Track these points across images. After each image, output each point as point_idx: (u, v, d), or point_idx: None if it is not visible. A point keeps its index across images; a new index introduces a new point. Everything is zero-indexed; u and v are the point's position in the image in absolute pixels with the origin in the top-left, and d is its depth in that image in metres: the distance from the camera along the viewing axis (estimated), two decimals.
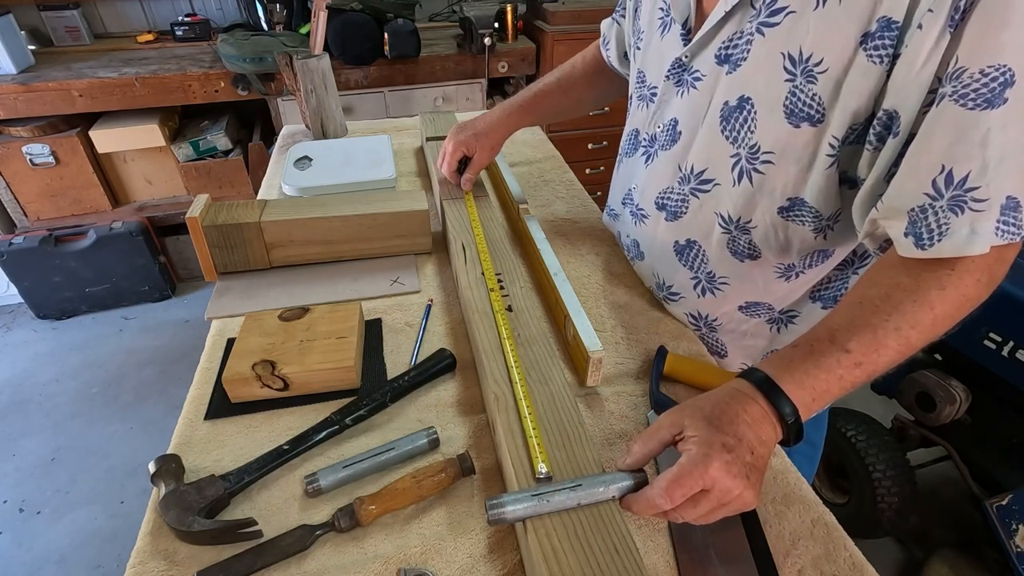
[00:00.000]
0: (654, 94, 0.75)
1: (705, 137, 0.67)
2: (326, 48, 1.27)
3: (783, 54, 0.56)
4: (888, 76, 0.51)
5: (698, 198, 0.71)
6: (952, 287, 0.49)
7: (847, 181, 0.59)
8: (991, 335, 1.21)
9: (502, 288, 0.76)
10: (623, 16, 0.88)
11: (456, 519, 0.56)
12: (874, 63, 0.51)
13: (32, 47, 2.18)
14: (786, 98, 0.57)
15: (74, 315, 2.34)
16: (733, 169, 0.65)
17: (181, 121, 2.33)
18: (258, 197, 1.03)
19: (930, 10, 0.47)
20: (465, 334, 0.78)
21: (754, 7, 0.59)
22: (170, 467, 0.58)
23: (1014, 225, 0.48)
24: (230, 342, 0.75)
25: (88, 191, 2.21)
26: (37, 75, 1.97)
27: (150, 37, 2.33)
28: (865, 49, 0.51)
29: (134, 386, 2.03)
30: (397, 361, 0.74)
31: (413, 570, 0.51)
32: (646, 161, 0.78)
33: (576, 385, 0.70)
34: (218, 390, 0.69)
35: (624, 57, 0.91)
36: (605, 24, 0.93)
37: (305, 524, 0.54)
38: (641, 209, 0.81)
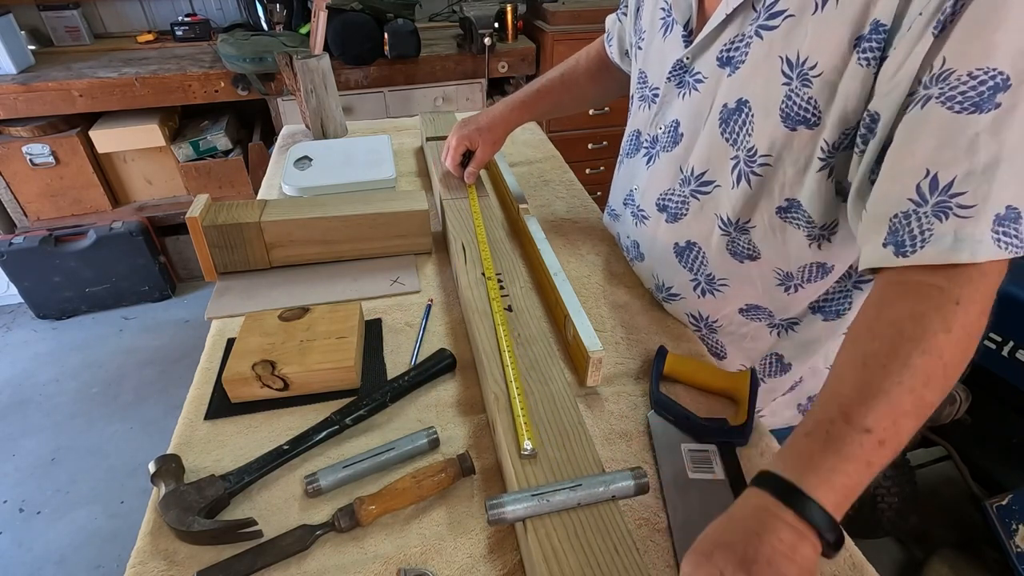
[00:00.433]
0: (656, 95, 0.75)
1: (706, 139, 0.67)
2: (326, 48, 1.27)
3: (781, 58, 0.56)
4: (875, 79, 0.51)
5: (698, 200, 0.71)
6: (959, 325, 0.44)
7: (843, 192, 0.58)
8: (991, 335, 1.21)
9: (502, 288, 0.76)
10: (625, 14, 0.88)
11: (456, 519, 0.56)
12: (861, 66, 0.51)
13: (32, 47, 2.18)
14: (782, 101, 0.57)
15: (74, 315, 2.34)
16: (732, 171, 0.65)
17: (181, 121, 2.33)
18: (258, 197, 1.03)
19: (920, 13, 0.46)
20: (465, 334, 0.78)
21: (755, 10, 0.59)
22: (170, 467, 0.58)
23: (1016, 236, 0.45)
24: (230, 342, 0.75)
25: (88, 191, 2.21)
26: (37, 75, 1.97)
27: (150, 37, 2.33)
28: (857, 53, 0.51)
29: (134, 386, 2.03)
30: (397, 361, 0.74)
31: (413, 570, 0.51)
32: (647, 162, 0.78)
33: (576, 385, 0.70)
34: (218, 390, 0.69)
35: (626, 55, 0.91)
36: (609, 20, 0.94)
37: (305, 524, 0.54)
38: (642, 210, 0.81)
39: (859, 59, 0.51)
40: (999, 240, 0.44)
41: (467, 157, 0.99)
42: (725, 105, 0.63)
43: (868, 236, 0.51)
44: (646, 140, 0.79)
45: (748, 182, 0.64)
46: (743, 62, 0.60)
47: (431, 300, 0.84)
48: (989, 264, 0.45)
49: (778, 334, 0.76)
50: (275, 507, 0.57)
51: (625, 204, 0.86)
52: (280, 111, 2.13)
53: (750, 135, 0.62)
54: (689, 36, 0.68)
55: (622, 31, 0.90)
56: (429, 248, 0.94)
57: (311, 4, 1.32)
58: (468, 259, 0.81)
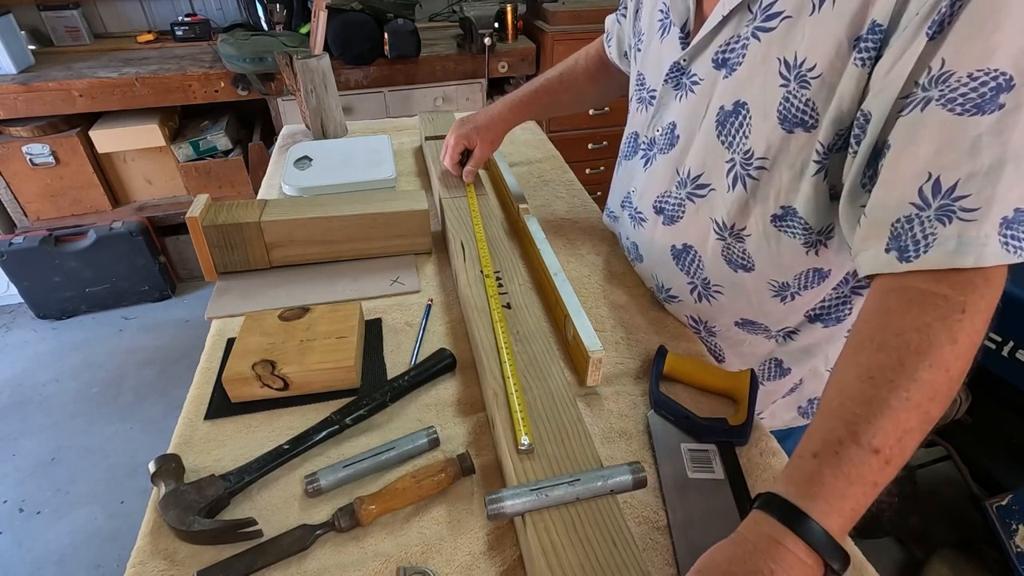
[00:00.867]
0: (653, 97, 0.75)
1: (702, 141, 0.67)
2: (326, 48, 1.27)
3: (779, 59, 0.56)
4: (869, 78, 0.50)
5: (694, 203, 0.71)
6: (964, 336, 0.44)
7: (839, 196, 0.58)
8: (991, 335, 1.21)
9: (500, 286, 0.76)
10: (624, 16, 0.88)
11: (456, 518, 0.56)
12: (856, 66, 0.50)
13: (32, 47, 2.18)
14: (780, 103, 0.57)
15: (74, 315, 2.34)
16: (728, 174, 0.65)
17: (181, 121, 2.33)
18: (258, 197, 1.03)
19: (916, 14, 0.46)
20: (465, 333, 0.78)
21: (751, 11, 0.58)
22: (170, 467, 0.58)
23: None
24: (230, 342, 0.75)
25: (88, 191, 2.21)
26: (37, 75, 1.97)
27: (150, 37, 2.33)
28: (856, 53, 0.50)
29: (134, 386, 2.03)
30: (397, 361, 0.74)
31: (412, 568, 0.51)
32: (645, 164, 0.78)
33: (575, 384, 0.70)
34: (218, 390, 0.69)
35: (625, 56, 0.91)
36: (609, 20, 0.94)
37: (305, 524, 0.54)
38: (639, 212, 0.81)
39: (856, 60, 0.50)
40: (1007, 244, 0.44)
41: (465, 156, 1.00)
42: (722, 107, 0.63)
43: (867, 242, 0.50)
44: (644, 142, 0.79)
45: (744, 185, 0.64)
46: (739, 64, 0.60)
47: (431, 300, 0.84)
48: (993, 269, 0.44)
49: (776, 342, 0.76)
50: (275, 507, 0.57)
51: (623, 206, 0.86)
52: (280, 111, 2.13)
53: (747, 137, 0.61)
54: (686, 38, 0.68)
55: (621, 32, 0.90)
56: (429, 248, 0.94)
57: (311, 4, 1.32)
58: (467, 257, 0.81)
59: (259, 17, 2.27)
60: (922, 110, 0.46)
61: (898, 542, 1.53)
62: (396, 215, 0.89)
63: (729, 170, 0.65)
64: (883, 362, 0.44)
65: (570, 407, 0.59)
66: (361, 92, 2.15)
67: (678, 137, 0.71)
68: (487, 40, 2.11)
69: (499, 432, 0.58)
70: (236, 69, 1.96)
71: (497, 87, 2.39)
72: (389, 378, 0.70)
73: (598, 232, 0.99)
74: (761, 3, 0.57)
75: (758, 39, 0.57)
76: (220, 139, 2.24)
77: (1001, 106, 0.43)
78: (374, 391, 0.67)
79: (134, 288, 2.35)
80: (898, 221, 0.47)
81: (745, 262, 0.69)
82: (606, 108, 2.40)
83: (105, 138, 2.11)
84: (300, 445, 0.61)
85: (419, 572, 0.51)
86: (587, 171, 2.56)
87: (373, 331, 0.78)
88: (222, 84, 2.03)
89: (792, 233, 0.63)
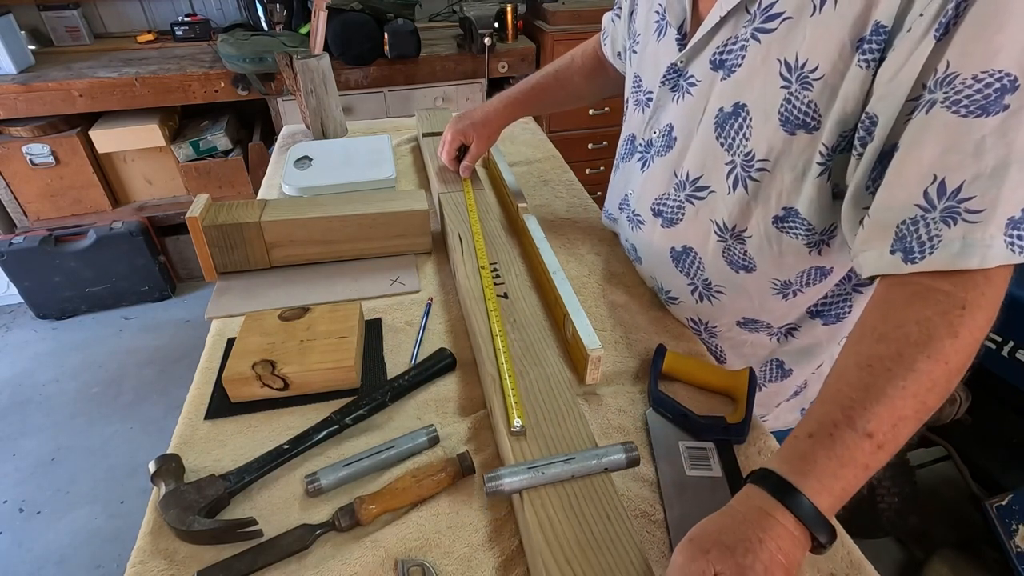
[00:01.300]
0: (650, 99, 0.75)
1: (700, 143, 0.67)
2: (326, 48, 1.27)
3: (779, 60, 0.56)
4: (873, 80, 0.50)
5: (694, 205, 0.71)
6: (965, 331, 0.44)
7: (840, 196, 0.58)
8: (991, 335, 1.21)
9: (497, 276, 0.77)
10: (619, 16, 0.88)
11: (455, 511, 0.56)
12: (860, 67, 0.50)
13: (32, 47, 2.18)
14: (781, 105, 0.57)
15: (74, 315, 2.34)
16: (728, 176, 0.65)
17: (181, 121, 2.33)
18: (258, 197, 1.03)
19: (921, 14, 0.45)
20: (465, 332, 0.79)
21: (749, 12, 0.58)
22: (170, 467, 0.58)
23: None
24: (230, 342, 0.75)
25: (88, 191, 2.21)
26: (37, 75, 1.97)
27: (150, 37, 2.33)
28: (859, 54, 0.50)
29: (134, 386, 2.03)
30: (397, 360, 0.74)
31: (411, 561, 0.52)
32: (642, 167, 0.78)
33: (572, 375, 0.70)
34: (218, 390, 0.69)
35: (619, 56, 0.91)
36: (606, 18, 0.94)
37: (305, 523, 0.54)
38: (637, 215, 0.80)
39: (859, 61, 0.50)
40: (1012, 244, 0.44)
41: (463, 152, 1.00)
42: (721, 109, 0.63)
43: (870, 243, 0.50)
44: (640, 144, 0.79)
45: (745, 187, 0.63)
46: (738, 65, 0.60)
47: (431, 299, 0.84)
48: (996, 269, 0.45)
49: (777, 340, 0.76)
50: (275, 507, 0.57)
51: (621, 208, 0.86)
52: (280, 111, 2.13)
53: (747, 139, 0.61)
54: (683, 39, 0.67)
55: (616, 32, 0.90)
56: (429, 248, 0.94)
57: (311, 4, 1.32)
58: (465, 250, 0.82)
59: (259, 17, 2.27)
60: (927, 112, 0.46)
61: (898, 542, 1.53)
62: (396, 215, 0.89)
63: (729, 172, 0.64)
64: (882, 352, 0.46)
65: (565, 390, 0.61)
66: (361, 92, 2.15)
67: (675, 139, 0.71)
68: (487, 40, 2.11)
69: (496, 416, 0.60)
70: (236, 69, 1.96)
71: (497, 87, 2.39)
72: (389, 378, 0.70)
73: (598, 232, 0.99)
74: (760, 4, 0.57)
75: (758, 40, 0.57)
76: (220, 139, 2.24)
77: (1006, 107, 0.43)
78: (374, 391, 0.67)
79: (134, 288, 2.35)
80: (903, 223, 0.48)
81: (747, 263, 0.69)
82: (606, 108, 2.40)
83: (105, 138, 2.11)
84: (300, 445, 0.61)
85: (417, 564, 0.51)
86: (587, 171, 2.56)
87: (373, 331, 0.78)
88: (222, 84, 2.03)
89: (794, 234, 0.63)
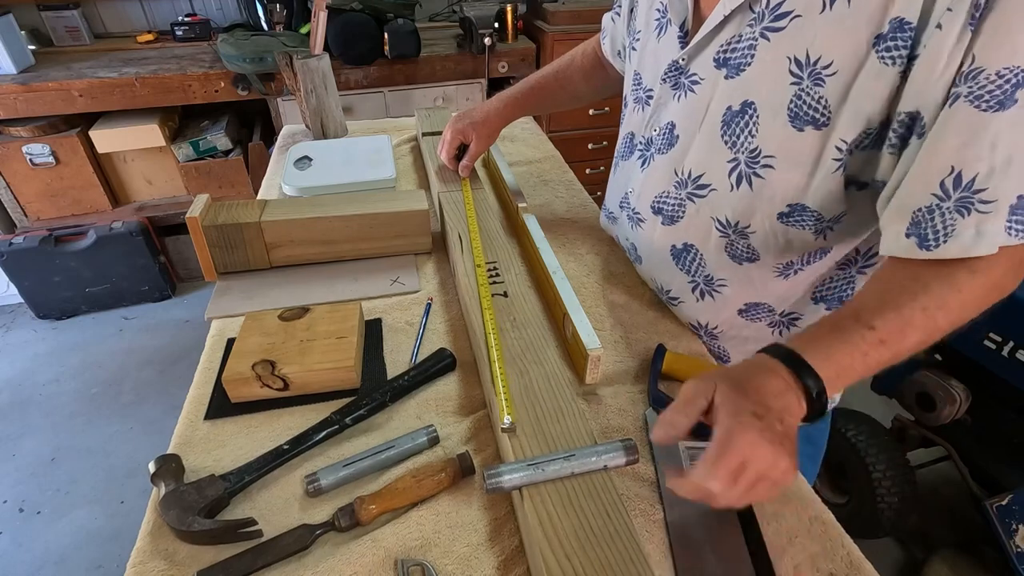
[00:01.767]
0: (650, 97, 0.75)
1: (703, 141, 0.67)
2: (326, 48, 1.27)
3: (789, 58, 0.56)
4: (904, 78, 0.50)
5: (695, 202, 0.71)
6: (982, 273, 0.49)
7: (855, 183, 0.59)
8: (991, 335, 1.21)
9: (497, 275, 0.77)
10: (619, 15, 0.88)
11: (455, 511, 0.56)
12: (887, 65, 0.50)
13: (32, 47, 2.18)
14: (791, 101, 0.57)
15: (74, 315, 2.34)
16: (731, 174, 0.65)
17: (181, 121, 2.33)
18: (258, 197, 1.03)
19: (949, 9, 0.46)
20: (465, 332, 0.79)
21: (753, 11, 0.58)
22: (170, 467, 0.58)
23: None
24: (230, 342, 0.75)
25: (88, 191, 2.21)
26: (37, 75, 1.97)
27: (150, 37, 2.33)
28: (877, 51, 0.50)
29: (134, 386, 2.03)
30: (397, 360, 0.74)
31: (410, 561, 0.52)
32: (642, 165, 0.78)
33: (573, 374, 0.70)
34: (218, 390, 0.69)
35: (618, 55, 0.91)
36: (605, 18, 0.94)
37: (305, 524, 0.54)
38: (638, 213, 0.80)
39: (881, 58, 0.50)
40: (1010, 228, 0.47)
41: (462, 151, 1.01)
42: (728, 108, 0.63)
43: (890, 224, 0.53)
44: (640, 142, 0.79)
45: (749, 184, 0.64)
46: (747, 64, 0.60)
47: (431, 299, 0.84)
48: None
49: (780, 332, 0.76)
50: (275, 507, 0.57)
51: (621, 207, 0.86)
52: (280, 111, 2.13)
53: (753, 136, 0.61)
54: (685, 37, 0.67)
55: (615, 31, 0.90)
56: (429, 248, 0.94)
57: (311, 4, 1.32)
58: (464, 247, 0.82)
59: (259, 17, 2.27)
60: (951, 106, 0.48)
61: (898, 542, 1.53)
62: (396, 215, 0.89)
63: (732, 169, 0.65)
64: (900, 276, 0.52)
65: (565, 388, 0.61)
66: (361, 92, 2.15)
67: (677, 137, 0.70)
68: (487, 40, 2.11)
69: (495, 415, 0.60)
70: (236, 69, 1.96)
71: (497, 87, 2.38)
72: (389, 378, 0.70)
73: (597, 232, 0.99)
74: (767, 3, 0.57)
75: (767, 39, 0.57)
76: (220, 139, 2.24)
77: (1016, 101, 0.45)
78: (374, 391, 0.67)
79: (134, 288, 2.35)
80: (919, 210, 0.50)
81: (750, 255, 0.69)
82: (606, 108, 2.40)
83: (105, 138, 2.11)
84: (300, 445, 0.61)
85: (417, 564, 0.51)
86: (587, 171, 2.56)
87: (373, 331, 0.78)
88: (222, 84, 2.03)
89: (801, 226, 0.63)
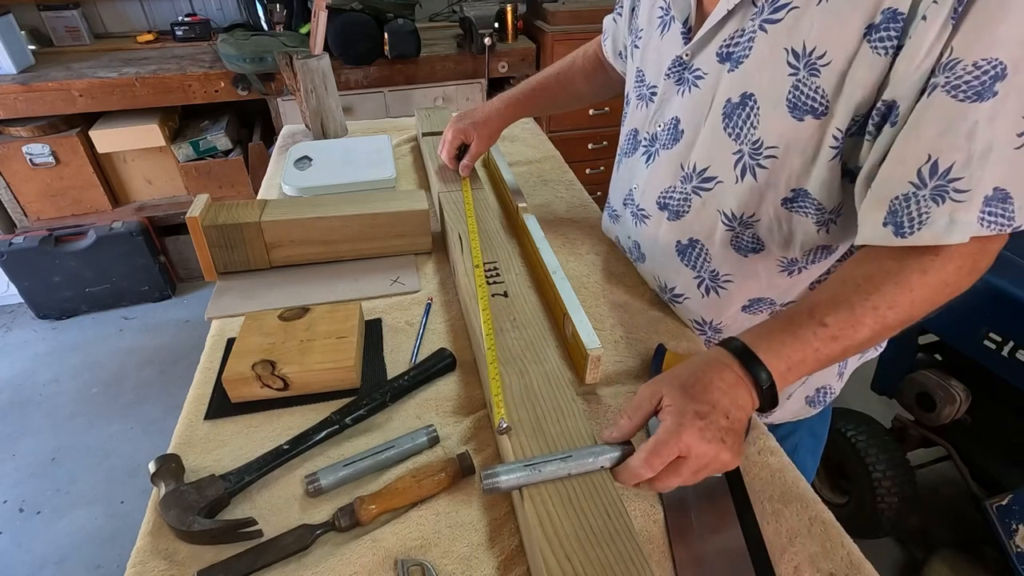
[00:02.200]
0: (654, 93, 0.75)
1: (708, 135, 0.67)
2: (326, 48, 1.27)
3: (786, 49, 0.57)
4: (891, 67, 0.51)
5: (700, 196, 0.71)
6: (934, 272, 0.51)
7: (848, 174, 0.59)
8: (991, 335, 1.21)
9: (497, 274, 0.77)
10: (621, 14, 0.88)
11: (455, 511, 0.56)
12: (879, 54, 0.51)
13: (32, 47, 2.18)
14: (789, 92, 0.57)
15: (74, 315, 2.34)
16: (736, 166, 0.65)
17: (181, 121, 2.33)
18: (258, 197, 1.03)
19: (935, 1, 0.47)
20: (465, 332, 0.79)
21: (756, 4, 0.59)
22: (170, 467, 0.58)
23: (1002, 216, 0.48)
24: (230, 342, 0.75)
25: (88, 191, 2.21)
26: (37, 75, 1.97)
27: (150, 37, 2.33)
28: (870, 41, 0.51)
29: (134, 386, 2.03)
30: (397, 360, 0.74)
31: (410, 560, 0.52)
32: (647, 161, 0.78)
33: (573, 375, 0.70)
34: (218, 390, 0.69)
35: (619, 56, 0.92)
36: (607, 20, 0.94)
37: (305, 523, 0.54)
38: (642, 209, 0.80)
39: (873, 47, 0.51)
40: (983, 219, 0.48)
41: (462, 151, 1.01)
42: (729, 100, 0.63)
43: (868, 214, 0.54)
44: (644, 139, 0.79)
45: (753, 175, 0.64)
46: (746, 57, 0.60)
47: (431, 299, 0.84)
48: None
49: None
50: (275, 507, 0.57)
51: (625, 204, 0.86)
52: (280, 111, 2.13)
53: (754, 128, 0.62)
54: (688, 33, 0.68)
55: (617, 32, 0.91)
56: (429, 248, 0.94)
57: (311, 4, 1.32)
58: (464, 247, 0.82)
59: (259, 17, 2.27)
60: (928, 96, 0.48)
61: (898, 542, 1.53)
62: (396, 215, 0.89)
63: (737, 161, 0.65)
64: (856, 274, 0.54)
65: (565, 388, 0.61)
66: (361, 92, 2.15)
67: (682, 132, 0.71)
68: (487, 40, 2.11)
69: (493, 413, 0.60)
70: (236, 69, 1.96)
71: (497, 87, 2.39)
72: (389, 378, 0.70)
73: (598, 232, 0.99)
74: None
75: (765, 31, 0.58)
76: (220, 139, 2.24)
77: (995, 93, 0.46)
78: (374, 391, 0.67)
79: (134, 288, 2.35)
80: (896, 198, 0.51)
81: (755, 245, 0.70)
82: (606, 108, 2.40)
83: (105, 138, 2.11)
84: (300, 445, 0.61)
85: (417, 564, 0.51)
86: (587, 171, 2.56)
87: (373, 331, 0.78)
88: (222, 84, 2.03)
89: (804, 213, 0.64)
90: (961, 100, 0.47)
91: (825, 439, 0.91)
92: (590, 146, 2.52)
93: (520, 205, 0.95)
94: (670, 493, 0.58)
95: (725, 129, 0.65)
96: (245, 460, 0.60)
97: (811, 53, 0.55)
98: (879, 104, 0.52)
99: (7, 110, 1.93)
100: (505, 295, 0.74)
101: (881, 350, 0.85)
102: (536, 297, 0.77)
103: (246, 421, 0.66)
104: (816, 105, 0.56)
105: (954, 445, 1.38)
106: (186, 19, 2.34)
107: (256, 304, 0.82)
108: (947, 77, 0.47)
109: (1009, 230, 0.49)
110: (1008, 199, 0.48)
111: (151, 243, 2.28)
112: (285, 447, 0.61)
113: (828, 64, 0.54)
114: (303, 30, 2.13)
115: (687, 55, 0.68)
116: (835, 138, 0.57)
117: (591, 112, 2.42)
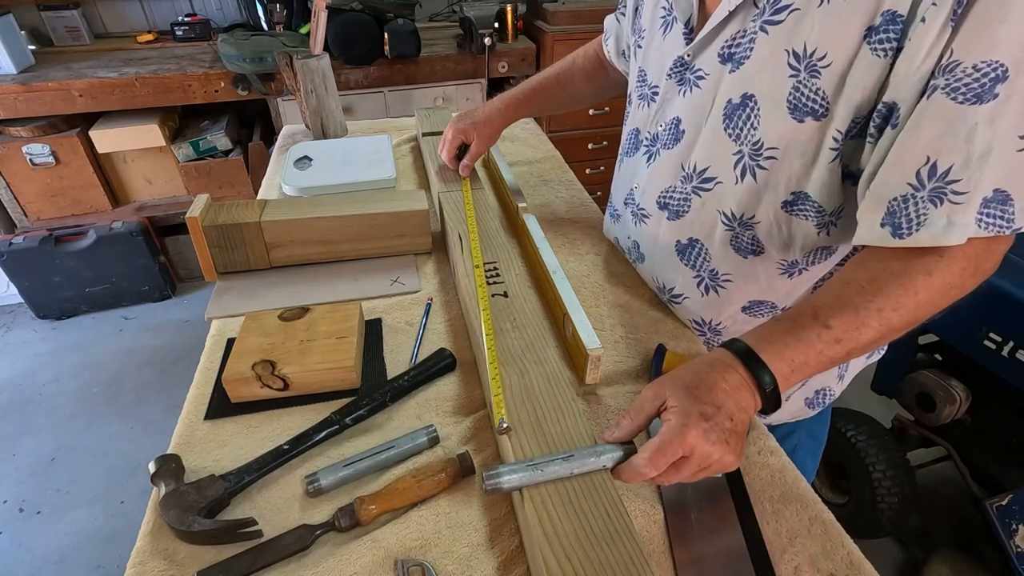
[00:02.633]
0: (655, 93, 0.75)
1: (708, 135, 0.67)
2: (326, 48, 1.27)
3: (787, 51, 0.57)
4: (891, 69, 0.51)
5: (700, 196, 0.71)
6: (939, 274, 0.50)
7: (850, 176, 0.59)
8: (991, 335, 1.21)
9: (497, 275, 0.77)
10: (623, 14, 0.88)
11: (455, 511, 0.56)
12: (878, 56, 0.51)
13: (32, 47, 2.18)
14: (790, 93, 0.58)
15: (74, 315, 2.34)
16: (736, 167, 0.65)
17: (181, 121, 2.33)
18: (258, 197, 1.03)
19: (934, 3, 0.47)
20: (465, 332, 0.79)
21: (757, 6, 0.59)
22: (170, 467, 0.58)
23: (1001, 218, 0.49)
24: (230, 342, 0.75)
25: (88, 191, 2.21)
26: (37, 75, 1.97)
27: (150, 37, 2.33)
28: (869, 43, 0.51)
29: (134, 386, 2.03)
30: (397, 360, 0.74)
31: (410, 561, 0.52)
32: (648, 160, 0.78)
33: (573, 374, 0.70)
34: (218, 390, 0.69)
35: (623, 55, 0.92)
36: (608, 20, 0.94)
37: (305, 524, 0.54)
38: (642, 209, 0.81)
39: (873, 49, 0.51)
40: (980, 220, 0.49)
41: (463, 151, 1.01)
42: (729, 101, 0.63)
43: (866, 215, 0.54)
44: (646, 138, 0.79)
45: (753, 176, 0.64)
46: (747, 58, 0.60)
47: (431, 299, 0.84)
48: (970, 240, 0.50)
49: None
50: (275, 507, 0.57)
51: (626, 203, 0.86)
52: (280, 111, 2.13)
53: (755, 129, 0.62)
54: (690, 33, 0.68)
55: (620, 31, 0.91)
56: (429, 248, 0.94)
57: (311, 4, 1.32)
58: (464, 248, 0.82)
59: (259, 17, 2.27)
60: (928, 98, 0.48)
61: (898, 542, 1.53)
62: (396, 215, 0.89)
63: (737, 162, 0.65)
64: (860, 275, 0.53)
65: (565, 388, 0.61)
66: (361, 92, 2.15)
67: (683, 132, 0.71)
68: (487, 40, 2.11)
69: (493, 413, 0.60)
70: (236, 69, 1.96)
71: (497, 87, 2.39)
72: (389, 378, 0.70)
73: (598, 232, 0.99)
74: None
75: (766, 32, 0.58)
76: (220, 139, 2.24)
77: (996, 96, 0.46)
78: (374, 391, 0.67)
79: (134, 288, 2.35)
80: (895, 199, 0.51)
81: (755, 247, 0.70)
82: (606, 108, 2.40)
83: (105, 138, 2.11)
84: (300, 445, 0.61)
85: (417, 564, 0.51)
86: (587, 171, 2.56)
87: (373, 331, 0.78)
88: (222, 84, 2.03)
89: (804, 216, 0.64)
90: (960, 102, 0.47)
91: (824, 441, 0.91)
92: (590, 146, 2.52)
93: (520, 205, 0.95)
94: (670, 494, 0.58)
95: (725, 130, 0.65)
96: (245, 460, 0.60)
97: (812, 55, 0.55)
98: (880, 106, 0.52)
99: (7, 110, 1.93)
100: (505, 295, 0.74)
101: (883, 352, 0.85)
102: (536, 297, 0.77)
103: (246, 421, 0.66)
104: (816, 107, 0.56)
105: (954, 445, 1.38)
106: (186, 19, 2.34)
107: (256, 304, 0.82)
108: (947, 79, 0.47)
109: (1008, 231, 0.49)
110: (1008, 201, 0.48)
111: (151, 243, 2.28)
112: (285, 447, 0.61)
113: (828, 66, 0.54)
114: (303, 30, 2.13)
115: (689, 55, 0.68)
116: (835, 140, 0.57)
117: (591, 112, 2.42)
